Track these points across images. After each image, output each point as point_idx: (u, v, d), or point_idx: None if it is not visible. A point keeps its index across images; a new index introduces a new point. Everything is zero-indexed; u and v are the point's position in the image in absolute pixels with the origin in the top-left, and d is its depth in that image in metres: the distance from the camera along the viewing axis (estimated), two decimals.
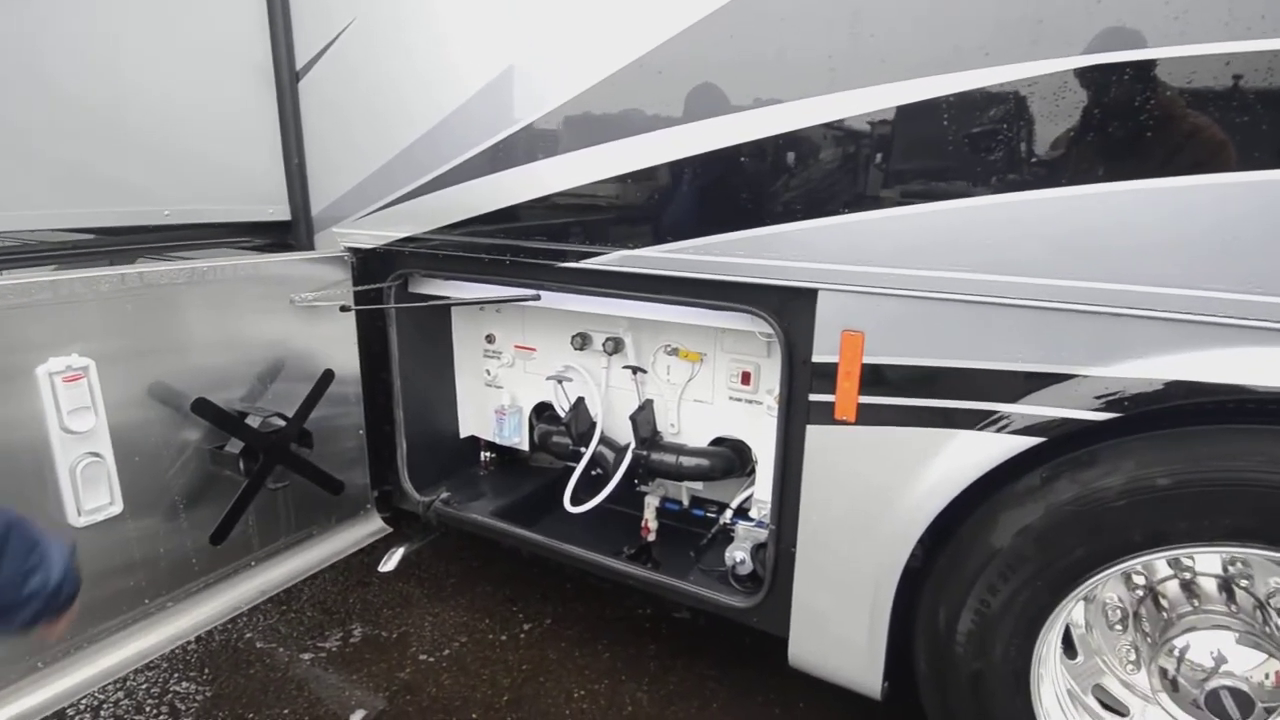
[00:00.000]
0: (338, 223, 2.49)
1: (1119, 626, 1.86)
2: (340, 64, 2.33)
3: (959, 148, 1.45)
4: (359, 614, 2.76)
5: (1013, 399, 1.49)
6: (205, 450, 2.14)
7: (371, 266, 2.49)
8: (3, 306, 1.69)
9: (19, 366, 1.72)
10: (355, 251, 2.48)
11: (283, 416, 2.26)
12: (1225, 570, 1.73)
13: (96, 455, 1.85)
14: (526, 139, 1.99)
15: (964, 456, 1.56)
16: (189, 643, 2.57)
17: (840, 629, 1.82)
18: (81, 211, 2.13)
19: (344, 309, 2.41)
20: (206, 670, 2.46)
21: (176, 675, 2.43)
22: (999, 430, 1.52)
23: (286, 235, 2.57)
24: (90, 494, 1.85)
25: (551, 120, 1.94)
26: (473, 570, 3.04)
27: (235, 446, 2.14)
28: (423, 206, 2.24)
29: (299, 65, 2.40)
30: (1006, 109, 1.40)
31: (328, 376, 2.39)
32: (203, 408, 2.07)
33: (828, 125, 1.57)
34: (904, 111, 1.49)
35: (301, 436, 2.32)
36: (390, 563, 2.68)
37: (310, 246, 2.57)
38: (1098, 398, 1.42)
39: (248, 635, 2.63)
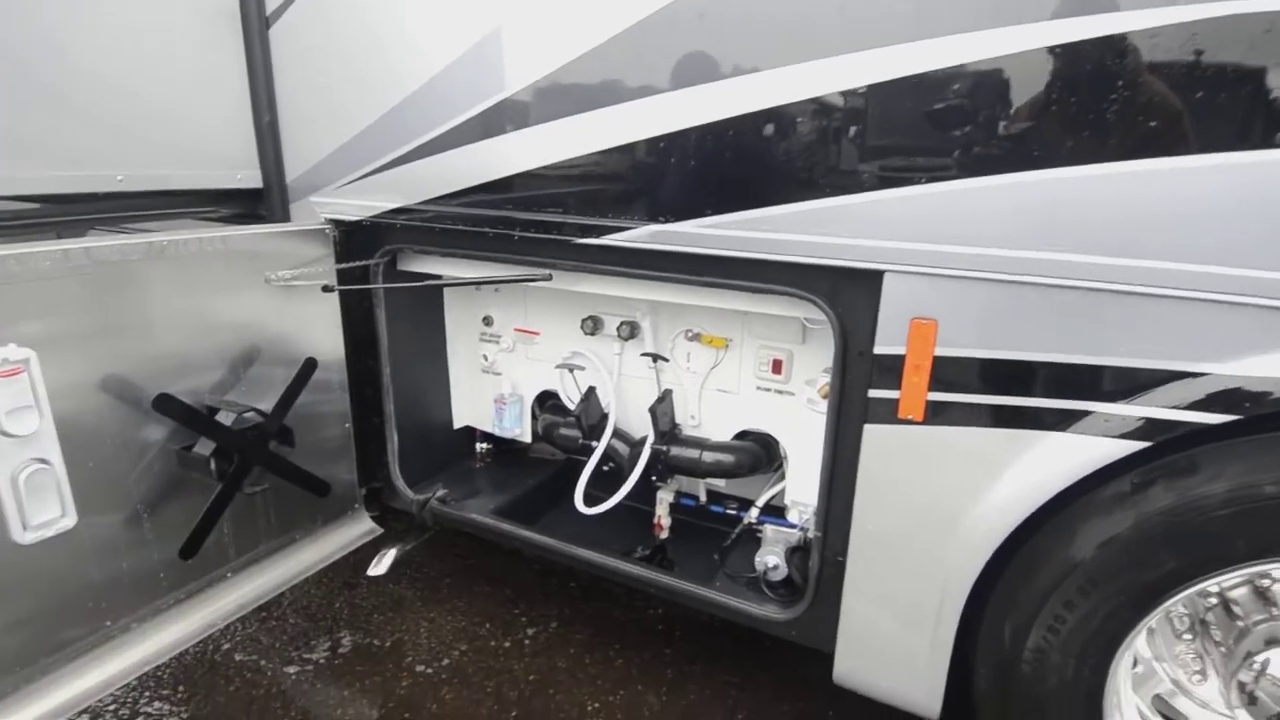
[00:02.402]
0: (317, 191, 2.22)
1: (1188, 635, 1.72)
2: (319, 5, 2.03)
3: (1066, 106, 1.25)
4: (347, 620, 2.54)
5: (1115, 398, 1.31)
6: (171, 451, 1.88)
7: (356, 241, 2.23)
8: None
9: None
10: (337, 224, 2.21)
11: (259, 412, 2.01)
12: None
13: (43, 461, 1.59)
14: (541, 96, 1.74)
15: (1052, 462, 1.39)
16: (160, 657, 2.34)
17: (897, 647, 1.66)
18: (22, 176, 1.84)
19: (326, 289, 2.15)
20: (181, 688, 2.23)
21: (148, 695, 2.20)
22: (1095, 433, 1.34)
23: (258, 205, 2.29)
24: (37, 506, 1.60)
25: (571, 74, 1.68)
26: (469, 568, 2.84)
27: (206, 447, 1.89)
28: (417, 173, 1.98)
29: (269, 9, 2.10)
30: (1126, 61, 1.19)
31: (310, 365, 2.14)
32: (166, 404, 1.81)
33: (906, 79, 1.35)
34: (1002, 64, 1.27)
35: (281, 433, 2.08)
36: (381, 566, 2.46)
37: (285, 217, 2.30)
38: (1216, 397, 1.24)
39: (225, 647, 2.40)
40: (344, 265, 2.22)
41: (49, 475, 1.61)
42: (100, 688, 1.76)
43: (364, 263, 2.22)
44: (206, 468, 1.89)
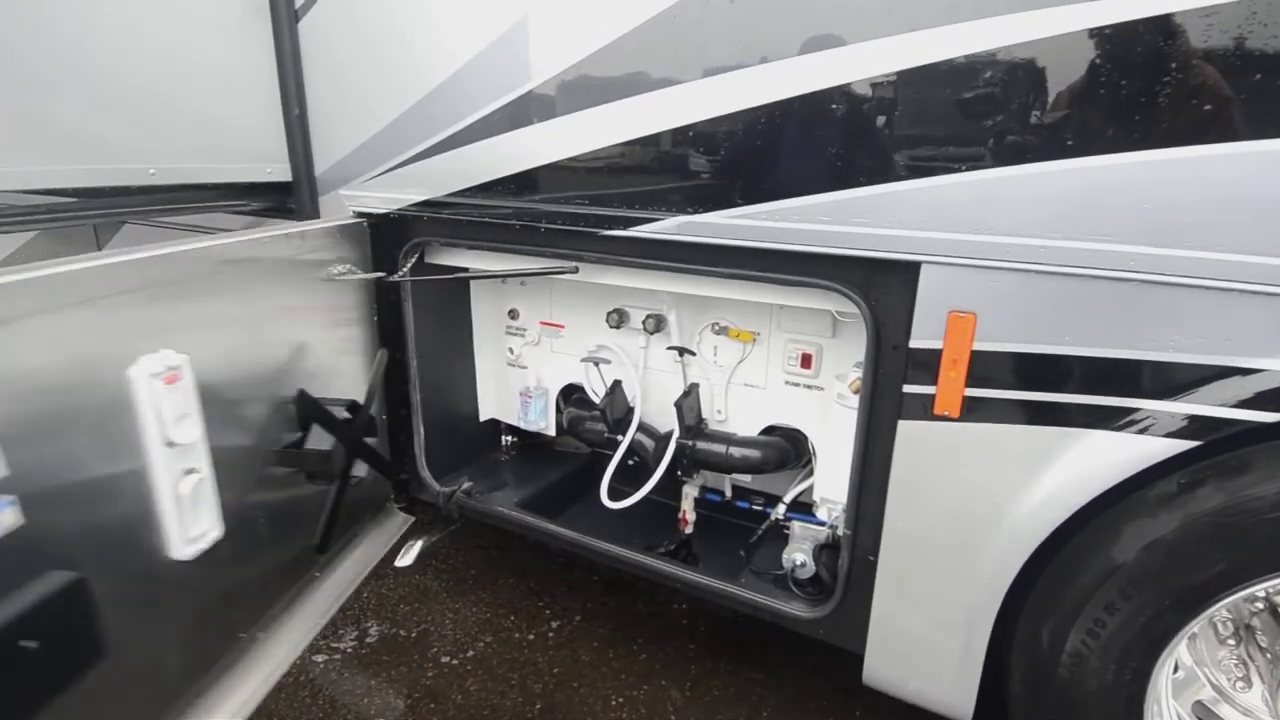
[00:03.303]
0: (345, 184, 2.22)
1: (1231, 640, 1.67)
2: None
3: (1114, 91, 1.20)
4: (374, 610, 2.56)
5: (1162, 395, 1.26)
6: (283, 450, 1.88)
7: (383, 234, 2.23)
8: (94, 296, 1.37)
9: (108, 368, 1.37)
10: (365, 217, 2.22)
11: (354, 405, 2.04)
12: None
13: (197, 471, 1.54)
14: (566, 86, 1.73)
15: (1095, 461, 1.34)
16: None
17: (929, 649, 1.62)
18: (56, 170, 1.85)
19: (382, 280, 2.17)
20: None
21: None
22: (1142, 431, 1.29)
23: (287, 198, 2.31)
24: (194, 518, 1.53)
25: (596, 64, 1.66)
26: (493, 560, 2.84)
27: (324, 441, 1.92)
28: (444, 166, 1.98)
29: (298, 2, 2.11)
30: (1179, 43, 1.14)
31: (384, 358, 2.18)
32: (303, 402, 1.83)
33: (943, 64, 1.31)
34: (1043, 47, 1.23)
35: (369, 424, 2.14)
36: (408, 557, 2.48)
37: (315, 211, 2.31)
38: (1270, 394, 1.19)
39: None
40: (400, 276, 2.21)
41: (203, 485, 1.56)
42: (249, 701, 1.74)
43: (404, 275, 2.21)
44: (327, 462, 1.91)
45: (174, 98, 2.01)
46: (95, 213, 2.13)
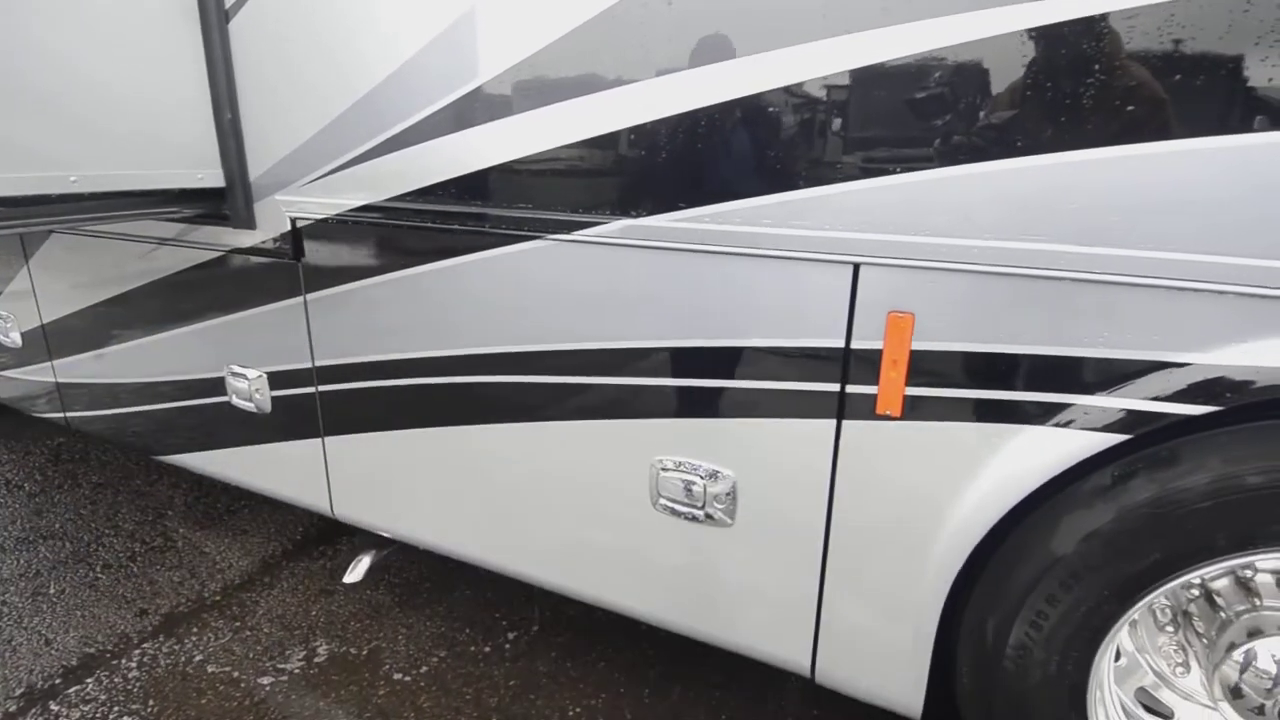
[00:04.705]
0: (282, 189, 2.15)
1: (1170, 627, 1.71)
2: None
3: (1041, 92, 1.21)
4: (323, 629, 2.49)
5: (1095, 390, 1.28)
6: None
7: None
8: None
9: None
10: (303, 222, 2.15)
11: None
12: None
13: None
14: (509, 86, 1.69)
15: (1031, 456, 1.36)
16: (130, 671, 2.29)
17: (877, 646, 1.63)
18: None
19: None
20: (151, 702, 2.17)
21: (116, 709, 2.14)
22: (1075, 426, 1.31)
23: (221, 204, 2.22)
24: None
25: (540, 63, 1.63)
26: (449, 571, 2.79)
27: None
28: (382, 169, 1.92)
29: (228, 2, 2.03)
30: (1102, 45, 1.16)
31: None
32: None
33: (878, 67, 1.31)
34: (975, 49, 1.24)
35: None
36: (356, 572, 2.41)
37: (249, 216, 2.23)
38: (1198, 388, 1.22)
39: (197, 658, 2.34)
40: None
41: None
42: None
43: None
44: None
45: (96, 103, 1.92)
46: (16, 223, 2.02)
